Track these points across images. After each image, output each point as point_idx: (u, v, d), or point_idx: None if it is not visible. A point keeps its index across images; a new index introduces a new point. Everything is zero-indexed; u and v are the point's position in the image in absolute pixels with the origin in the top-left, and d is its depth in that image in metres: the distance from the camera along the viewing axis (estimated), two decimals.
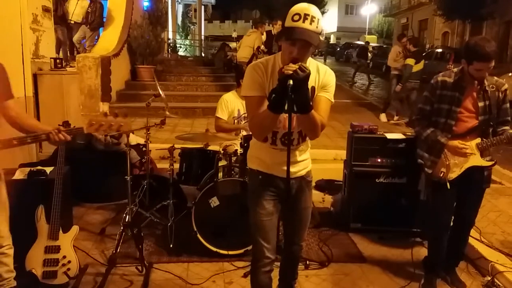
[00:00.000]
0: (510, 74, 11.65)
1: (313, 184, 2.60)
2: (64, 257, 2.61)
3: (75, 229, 2.72)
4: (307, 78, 1.76)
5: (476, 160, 2.67)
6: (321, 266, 3.07)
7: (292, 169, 1.97)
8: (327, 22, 42.18)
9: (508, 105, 2.69)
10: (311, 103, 1.86)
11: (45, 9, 4.92)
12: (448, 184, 2.69)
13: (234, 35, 16.62)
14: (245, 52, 8.62)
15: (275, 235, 2.15)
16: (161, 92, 3.63)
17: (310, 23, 1.81)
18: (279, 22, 6.76)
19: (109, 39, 8.49)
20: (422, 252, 3.21)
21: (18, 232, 2.45)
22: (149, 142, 3.61)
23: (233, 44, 16.44)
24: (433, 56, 16.11)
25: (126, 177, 3.18)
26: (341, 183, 4.01)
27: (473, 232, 3.20)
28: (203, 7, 26.64)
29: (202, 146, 3.66)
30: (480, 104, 2.64)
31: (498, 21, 17.98)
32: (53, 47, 5.75)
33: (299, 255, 2.42)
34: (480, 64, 2.50)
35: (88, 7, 8.67)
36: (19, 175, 2.96)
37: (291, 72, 1.71)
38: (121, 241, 2.99)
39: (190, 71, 10.70)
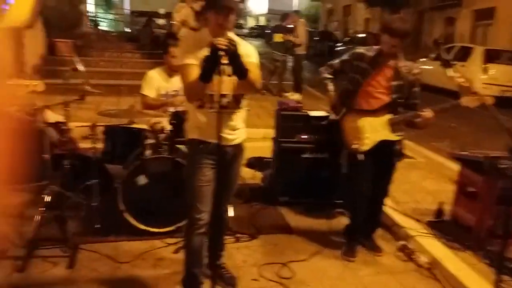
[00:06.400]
0: (422, 59, 12.68)
1: (244, 161, 2.72)
2: None
3: None
4: (237, 49, 1.98)
5: (387, 134, 2.89)
6: (251, 238, 3.16)
7: (229, 136, 2.26)
8: (257, 4, 42.21)
9: (418, 88, 2.94)
10: (243, 67, 2.07)
11: None
12: (362, 156, 2.88)
13: (162, 11, 15.97)
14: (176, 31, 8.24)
15: (210, 201, 2.27)
16: (80, 66, 3.41)
17: None
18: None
19: (20, 9, 7.70)
20: (343, 221, 3.44)
21: None
22: (69, 120, 3.38)
23: (160, 21, 15.81)
24: (355, 40, 16.97)
25: (44, 155, 2.97)
26: (270, 160, 4.13)
27: (388, 202, 3.49)
28: None
29: (128, 123, 3.52)
30: (393, 83, 2.85)
31: (412, 10, 19.38)
32: None
33: (227, 218, 2.59)
34: (387, 37, 2.71)
35: None
36: None
37: (224, 46, 1.92)
38: (41, 223, 2.82)
39: (114, 47, 10.15)
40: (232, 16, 2.09)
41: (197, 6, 8.67)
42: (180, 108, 3.40)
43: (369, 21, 24.53)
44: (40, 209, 2.91)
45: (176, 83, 3.59)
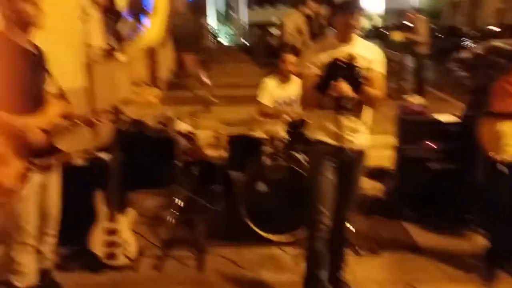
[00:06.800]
0: None
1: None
2: (123, 239, 2.74)
3: (132, 212, 2.84)
4: (355, 66, 2.10)
5: None
6: (372, 253, 3.01)
7: (354, 140, 2.24)
8: (373, 3, 40.48)
9: None
10: (361, 83, 2.13)
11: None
12: (503, 167, 2.52)
13: (276, 20, 16.47)
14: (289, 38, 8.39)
15: (332, 204, 2.27)
16: (206, 80, 3.68)
17: None
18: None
19: (155, 28, 8.67)
20: (478, 241, 3.07)
21: (78, 215, 2.61)
22: (196, 129, 3.67)
23: (275, 30, 16.28)
24: (487, 34, 15.18)
25: (176, 162, 3.26)
26: (392, 170, 3.89)
27: None
28: None
29: (247, 132, 3.67)
30: None
31: None
32: (102, 36, 5.90)
33: (347, 228, 2.49)
34: None
35: None
36: (78, 161, 3.11)
37: (344, 62, 2.06)
38: (174, 225, 3.09)
39: (232, 59, 10.78)
40: (359, 15, 2.15)
41: (309, 10, 8.67)
42: (296, 117, 3.44)
43: (503, 11, 21.69)
44: (172, 211, 3.20)
45: (290, 91, 3.63)
